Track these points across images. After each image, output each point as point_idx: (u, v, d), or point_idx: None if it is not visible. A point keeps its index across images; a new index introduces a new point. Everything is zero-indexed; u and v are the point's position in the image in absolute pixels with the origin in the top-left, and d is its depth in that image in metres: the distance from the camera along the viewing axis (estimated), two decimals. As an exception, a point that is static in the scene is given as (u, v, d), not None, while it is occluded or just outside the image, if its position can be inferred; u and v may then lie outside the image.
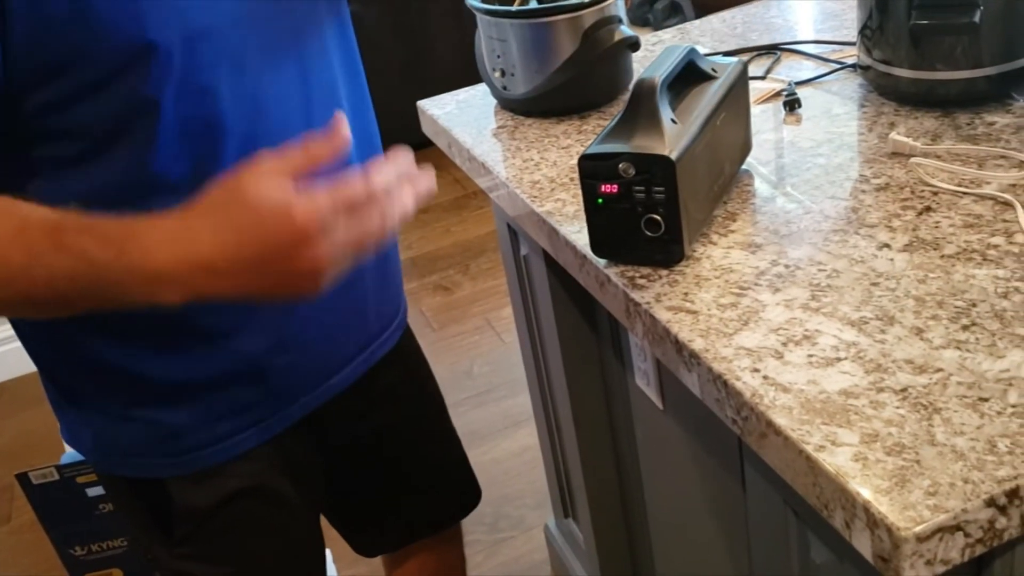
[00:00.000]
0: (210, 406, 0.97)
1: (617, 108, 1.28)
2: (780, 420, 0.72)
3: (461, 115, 1.37)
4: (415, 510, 1.27)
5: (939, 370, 0.74)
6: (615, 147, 0.91)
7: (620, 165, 0.90)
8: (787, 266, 0.90)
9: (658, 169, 0.89)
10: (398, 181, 0.78)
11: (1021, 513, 0.64)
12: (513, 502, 2.10)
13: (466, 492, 1.32)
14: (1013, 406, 0.69)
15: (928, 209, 0.94)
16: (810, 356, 0.78)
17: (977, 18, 1.02)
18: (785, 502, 0.87)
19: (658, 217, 0.91)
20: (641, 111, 0.93)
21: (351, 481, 1.21)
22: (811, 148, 1.10)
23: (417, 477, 1.25)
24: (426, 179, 0.80)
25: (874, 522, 0.63)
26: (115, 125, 0.81)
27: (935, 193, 0.97)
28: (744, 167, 1.09)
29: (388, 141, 3.68)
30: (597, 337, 1.33)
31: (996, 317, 0.78)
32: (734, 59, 1.07)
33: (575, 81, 1.25)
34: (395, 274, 1.12)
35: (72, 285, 0.74)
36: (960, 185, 0.97)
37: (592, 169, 0.92)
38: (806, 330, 0.81)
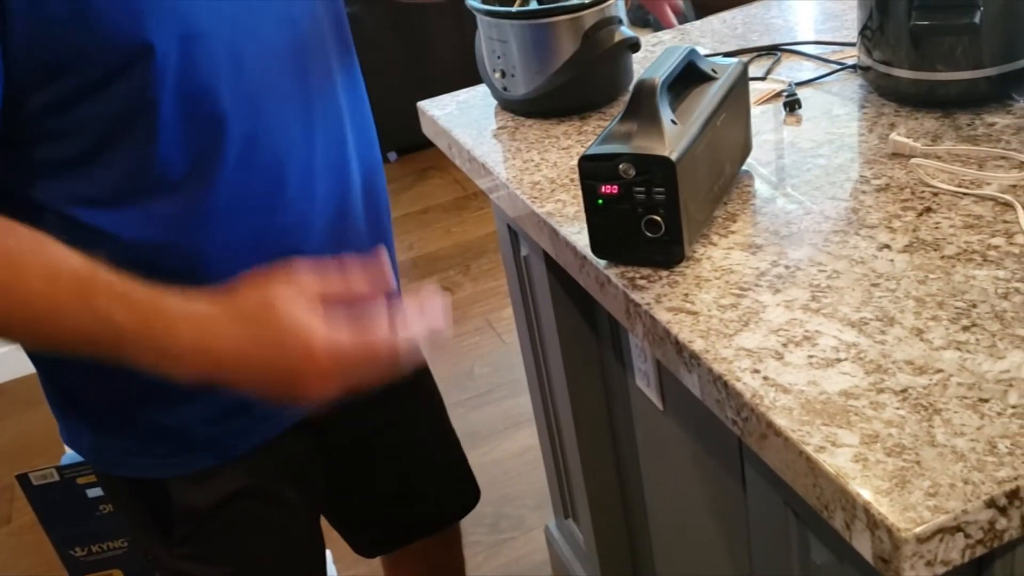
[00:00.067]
0: (209, 407, 0.97)
1: (617, 109, 1.28)
2: (780, 421, 0.72)
3: (461, 116, 1.37)
4: (414, 510, 1.27)
5: (939, 371, 0.74)
6: (615, 148, 0.91)
7: (620, 166, 0.90)
8: (787, 267, 0.90)
9: (658, 170, 0.89)
10: (421, 333, 0.80)
11: (1021, 514, 0.64)
12: (513, 503, 2.10)
13: (465, 492, 1.32)
14: (1013, 407, 0.69)
15: (928, 210, 0.94)
16: (810, 357, 0.78)
17: (977, 19, 1.02)
18: (785, 503, 0.87)
19: (658, 218, 0.91)
20: (641, 112, 0.93)
21: (351, 481, 1.21)
22: (811, 149, 1.10)
23: (416, 477, 1.25)
24: (441, 322, 0.81)
25: (874, 523, 0.63)
26: (115, 126, 0.82)
27: (935, 194, 0.97)
28: (744, 168, 1.09)
29: (390, 141, 3.72)
30: (597, 338, 1.33)
31: (996, 318, 0.78)
32: (734, 60, 1.07)
33: (575, 82, 1.26)
34: (394, 276, 1.12)
35: (89, 341, 0.76)
36: (960, 186, 0.97)
37: (592, 170, 0.92)
38: (806, 331, 0.81)
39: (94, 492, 1.78)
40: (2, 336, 0.78)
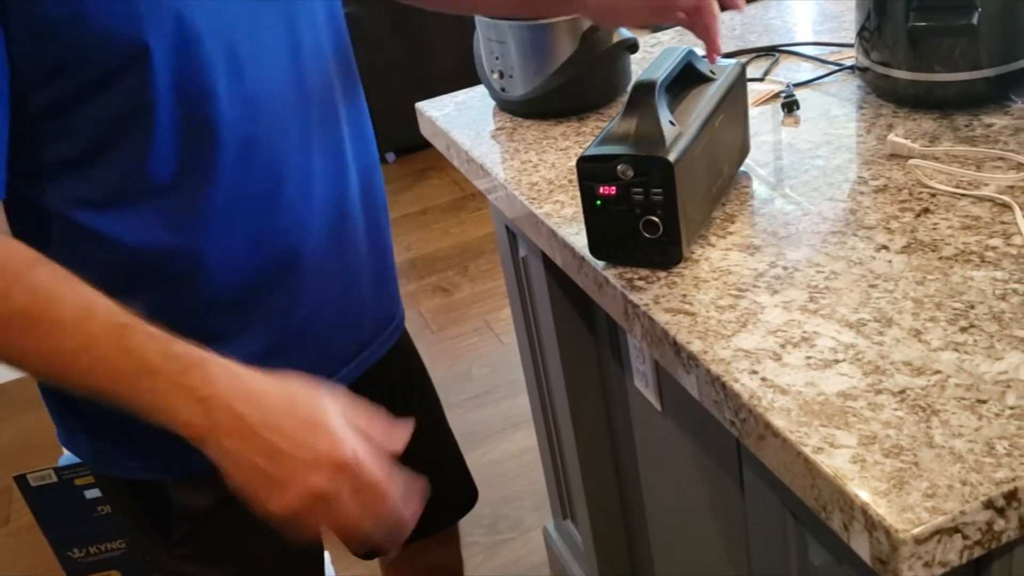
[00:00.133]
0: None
1: (615, 110, 1.28)
2: (778, 422, 0.72)
3: (460, 117, 1.37)
4: (412, 512, 1.27)
5: (937, 372, 0.74)
6: (613, 149, 0.91)
7: (618, 167, 0.90)
8: (785, 268, 0.90)
9: (656, 171, 0.89)
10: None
11: (1019, 515, 0.64)
12: (512, 504, 2.10)
13: (463, 493, 1.32)
14: (1011, 408, 0.69)
15: (926, 211, 0.94)
16: (808, 358, 0.78)
17: (975, 20, 1.03)
18: (783, 504, 0.87)
19: (656, 219, 0.91)
20: (639, 113, 0.93)
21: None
22: (809, 150, 1.10)
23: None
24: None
25: (872, 524, 0.63)
26: (113, 127, 0.82)
27: (933, 195, 0.97)
28: (742, 169, 1.09)
29: (388, 142, 3.72)
30: (596, 339, 1.33)
31: (994, 319, 0.78)
32: (732, 61, 1.07)
33: (573, 83, 1.26)
34: (391, 279, 1.12)
35: (110, 377, 0.76)
36: (958, 187, 0.97)
37: (590, 171, 0.92)
38: (804, 332, 0.81)
39: (92, 493, 1.78)
40: (22, 364, 0.78)
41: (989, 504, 0.63)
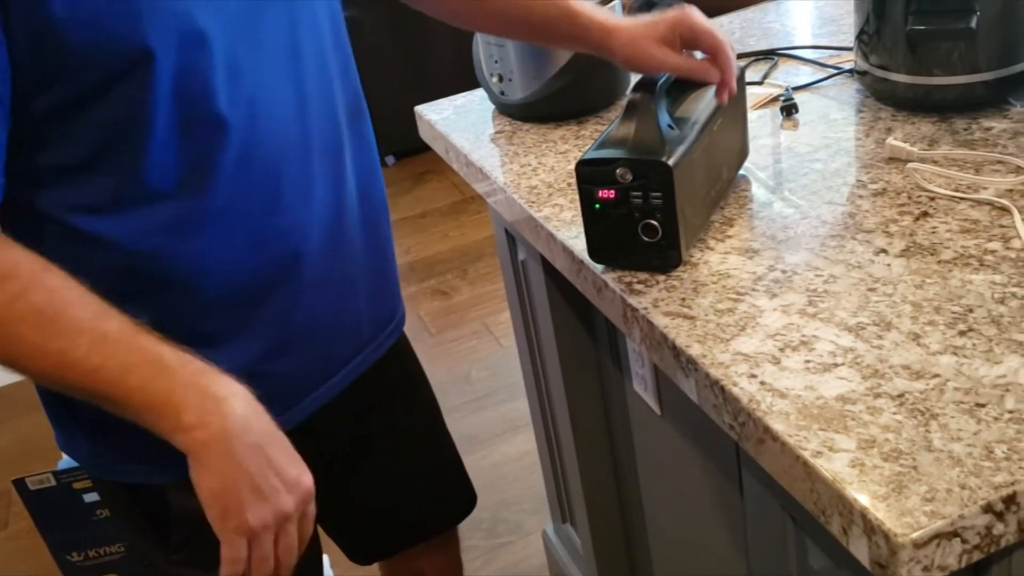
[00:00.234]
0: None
1: (614, 113, 1.28)
2: (777, 426, 0.72)
3: (459, 120, 1.37)
4: (410, 516, 1.26)
5: (936, 376, 0.74)
6: (612, 152, 0.91)
7: (617, 170, 0.90)
8: (784, 271, 0.90)
9: (655, 175, 0.89)
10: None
11: (1018, 519, 0.64)
12: (511, 507, 2.10)
13: (462, 497, 1.32)
14: (1010, 412, 0.69)
15: (925, 214, 0.94)
16: (807, 362, 0.78)
17: (974, 23, 1.03)
18: (783, 508, 0.87)
19: (655, 223, 0.90)
20: (638, 116, 0.93)
21: (345, 487, 1.20)
22: (808, 153, 1.10)
23: (411, 482, 1.25)
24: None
25: (871, 528, 0.63)
26: (114, 131, 0.82)
27: (932, 198, 0.97)
28: (741, 172, 1.09)
29: (387, 145, 3.72)
30: (595, 342, 1.33)
31: (993, 322, 0.78)
32: (731, 64, 1.07)
33: (573, 86, 1.26)
34: (391, 281, 1.12)
35: (120, 376, 0.79)
36: (957, 190, 0.97)
37: (589, 174, 0.92)
38: (803, 336, 0.81)
39: (91, 497, 1.78)
40: (27, 363, 0.79)
41: (988, 508, 0.63)
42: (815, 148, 1.11)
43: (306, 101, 0.92)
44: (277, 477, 0.82)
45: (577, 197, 0.94)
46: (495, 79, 1.31)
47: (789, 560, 0.89)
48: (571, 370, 1.35)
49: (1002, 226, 0.90)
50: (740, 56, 1.38)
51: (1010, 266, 0.84)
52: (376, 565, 1.39)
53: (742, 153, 1.09)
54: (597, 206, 0.92)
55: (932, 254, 0.88)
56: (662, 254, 0.92)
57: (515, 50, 1.26)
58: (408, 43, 3.49)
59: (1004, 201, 0.93)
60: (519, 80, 1.28)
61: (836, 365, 0.77)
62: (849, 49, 1.30)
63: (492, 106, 1.37)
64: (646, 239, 0.92)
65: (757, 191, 1.05)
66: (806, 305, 0.85)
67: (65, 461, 1.74)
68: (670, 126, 0.93)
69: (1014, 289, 0.81)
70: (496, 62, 1.29)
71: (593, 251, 0.96)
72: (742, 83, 1.06)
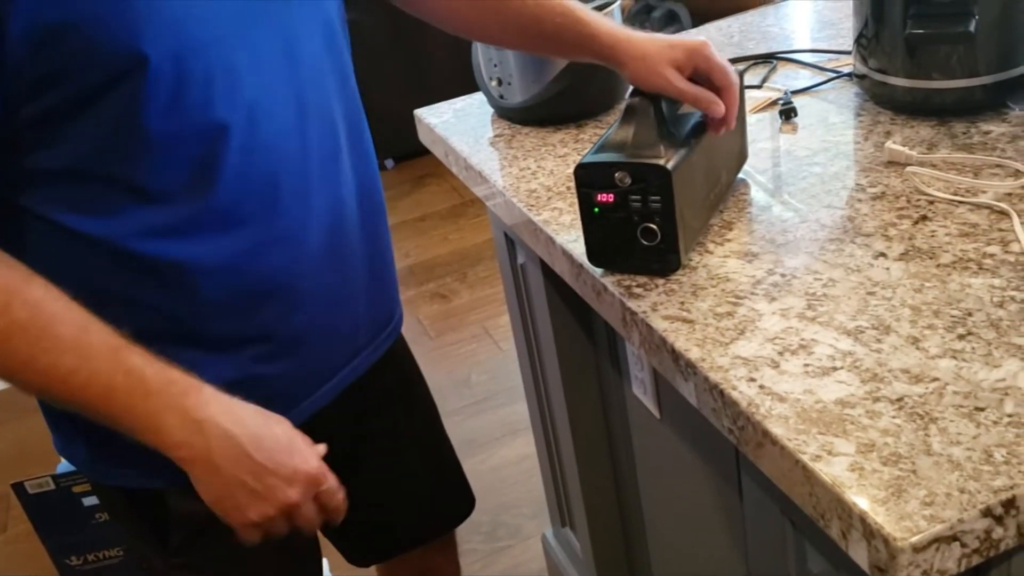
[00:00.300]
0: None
1: (613, 117, 1.28)
2: (776, 430, 0.72)
3: (458, 124, 1.37)
4: (408, 519, 1.26)
5: (935, 379, 0.74)
6: (611, 156, 0.91)
7: (616, 174, 0.90)
8: (783, 275, 0.90)
9: (654, 178, 0.89)
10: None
11: (1017, 523, 0.64)
12: (510, 511, 2.09)
13: (460, 500, 1.32)
14: (1009, 416, 0.69)
15: (924, 218, 0.94)
16: (806, 366, 0.78)
17: (972, 27, 1.03)
18: (782, 512, 0.87)
19: (654, 226, 0.91)
20: (637, 120, 0.93)
21: (343, 489, 1.20)
22: (807, 157, 1.10)
23: (409, 485, 1.24)
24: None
25: (870, 532, 0.63)
26: (110, 136, 0.81)
27: (931, 202, 0.97)
28: (740, 176, 1.09)
29: (386, 148, 3.71)
30: (594, 346, 1.33)
31: (992, 326, 0.78)
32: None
33: (572, 90, 1.26)
34: (389, 284, 1.12)
35: (104, 394, 0.81)
36: (956, 194, 0.97)
37: (588, 178, 0.92)
38: (802, 339, 0.81)
39: (90, 500, 1.78)
40: (18, 378, 0.81)
41: (987, 512, 0.62)
42: (814, 152, 1.11)
43: (305, 106, 0.92)
44: (272, 475, 0.86)
45: (576, 201, 0.94)
46: (494, 83, 1.31)
47: (788, 564, 0.89)
48: (570, 374, 1.35)
49: (1001, 230, 0.90)
50: (739, 60, 1.39)
51: (1009, 270, 0.84)
52: (374, 567, 1.39)
53: (741, 157, 1.09)
54: (596, 210, 0.92)
55: (931, 258, 0.88)
56: (661, 258, 0.92)
57: (515, 54, 1.27)
58: (407, 46, 3.50)
59: (1003, 205, 0.93)
60: (518, 84, 1.28)
61: (835, 369, 0.77)
62: (848, 53, 1.30)
63: (491, 110, 1.37)
64: (645, 243, 0.92)
65: (756, 195, 1.05)
66: (805, 309, 0.85)
67: (64, 465, 1.74)
68: (669, 130, 0.93)
69: (1013, 293, 0.81)
70: (495, 66, 1.29)
71: (592, 255, 0.96)
72: (741, 87, 1.06)
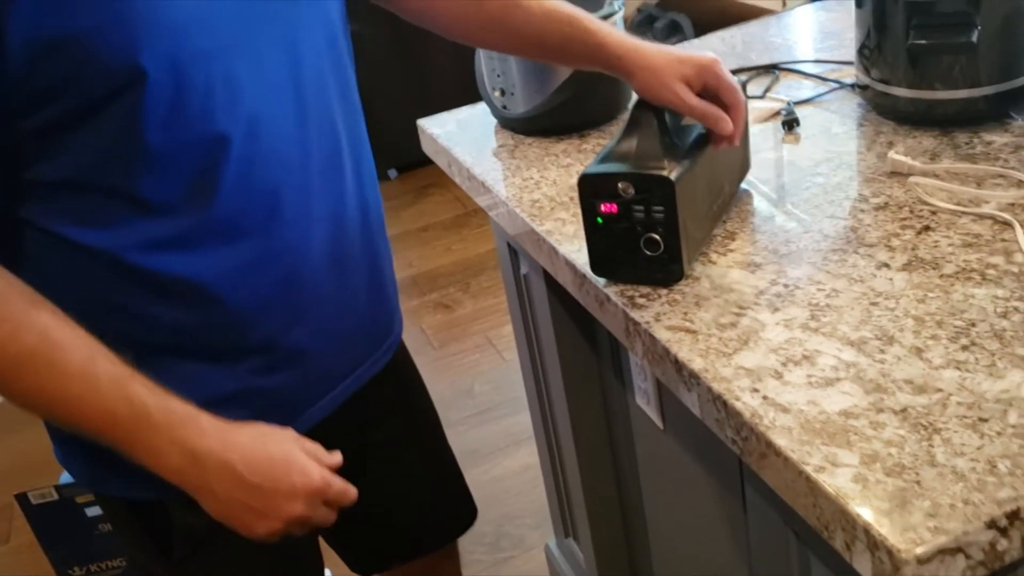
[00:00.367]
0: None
1: (617, 127, 1.28)
2: (780, 441, 0.72)
3: (461, 134, 1.37)
4: (409, 528, 1.26)
5: (939, 390, 0.73)
6: (614, 167, 0.91)
7: (619, 184, 0.90)
8: (786, 285, 0.90)
9: (657, 189, 0.89)
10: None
11: (1022, 535, 0.63)
12: (514, 521, 2.09)
13: (462, 511, 1.31)
14: (1013, 426, 0.69)
15: (927, 228, 0.94)
16: (809, 376, 0.78)
17: (975, 38, 1.03)
18: (786, 523, 0.87)
19: (657, 237, 0.91)
20: (640, 131, 0.93)
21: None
22: (810, 167, 1.10)
23: (411, 495, 1.24)
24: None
25: (875, 544, 0.63)
26: (109, 149, 0.81)
27: (934, 212, 0.97)
28: (743, 186, 1.09)
29: (390, 159, 3.71)
30: (597, 356, 1.33)
31: (995, 337, 0.78)
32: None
33: (575, 100, 1.26)
34: (389, 295, 1.12)
35: (109, 423, 0.83)
36: (959, 204, 0.97)
37: (591, 188, 0.92)
38: (805, 350, 0.81)
39: (93, 511, 1.78)
40: (28, 402, 0.83)
41: (992, 524, 0.62)
42: (817, 162, 1.11)
43: (306, 117, 0.92)
44: (271, 495, 0.87)
45: (579, 211, 0.94)
46: (497, 93, 1.31)
47: (792, 575, 0.89)
48: (573, 384, 1.35)
49: (1004, 240, 0.90)
50: (742, 70, 1.39)
51: (1012, 280, 0.84)
52: (377, 578, 1.38)
53: (744, 167, 1.09)
54: (599, 220, 0.93)
55: (934, 268, 0.88)
56: (664, 268, 0.92)
57: (517, 64, 1.27)
58: (410, 57, 3.50)
59: (1006, 215, 0.93)
60: (521, 94, 1.28)
61: (838, 379, 0.77)
62: (850, 63, 1.30)
63: (494, 120, 1.37)
64: (648, 253, 0.92)
65: (759, 205, 1.05)
66: (808, 319, 0.84)
67: (67, 475, 1.74)
68: (672, 141, 0.93)
69: (1016, 303, 0.81)
70: (498, 76, 1.30)
71: (595, 265, 0.96)
72: (744, 97, 1.06)
